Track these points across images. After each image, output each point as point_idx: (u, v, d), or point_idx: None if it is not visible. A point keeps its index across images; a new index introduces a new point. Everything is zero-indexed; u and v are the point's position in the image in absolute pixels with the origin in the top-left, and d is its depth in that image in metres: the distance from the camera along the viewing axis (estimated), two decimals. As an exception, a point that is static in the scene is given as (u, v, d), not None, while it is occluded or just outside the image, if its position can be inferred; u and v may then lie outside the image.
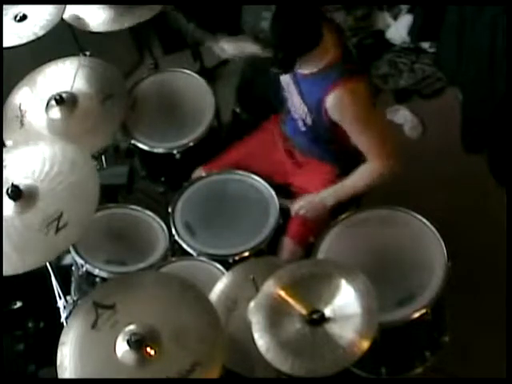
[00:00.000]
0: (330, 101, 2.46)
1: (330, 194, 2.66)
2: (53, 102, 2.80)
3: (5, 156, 2.46)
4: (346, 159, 2.69)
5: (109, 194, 2.95)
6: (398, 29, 3.98)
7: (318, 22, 2.42)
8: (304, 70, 2.53)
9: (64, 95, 2.81)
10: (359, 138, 2.54)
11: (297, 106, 2.65)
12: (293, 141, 2.84)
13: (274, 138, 2.91)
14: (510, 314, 2.75)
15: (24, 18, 3.01)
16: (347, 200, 2.68)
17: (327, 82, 2.46)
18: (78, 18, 3.09)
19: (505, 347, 2.62)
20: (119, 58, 3.68)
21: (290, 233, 2.71)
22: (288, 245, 2.69)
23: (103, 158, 3.13)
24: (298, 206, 2.69)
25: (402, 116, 3.75)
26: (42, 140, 2.61)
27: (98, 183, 2.33)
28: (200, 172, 2.94)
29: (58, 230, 2.23)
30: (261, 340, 2.17)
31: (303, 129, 2.68)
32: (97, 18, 3.08)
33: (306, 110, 2.60)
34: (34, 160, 2.41)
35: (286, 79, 2.67)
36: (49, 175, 2.35)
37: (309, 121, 2.62)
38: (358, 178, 2.61)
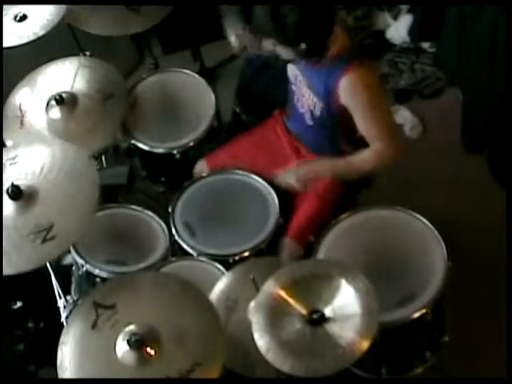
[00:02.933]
0: (343, 85, 2.49)
1: (328, 165, 2.66)
2: (53, 102, 2.80)
3: (18, 152, 2.45)
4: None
5: (109, 194, 2.95)
6: (398, 29, 3.98)
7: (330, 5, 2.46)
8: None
9: (64, 95, 2.81)
10: (368, 121, 2.55)
11: (305, 97, 2.65)
12: (300, 137, 2.84)
13: (277, 134, 2.91)
14: (510, 314, 2.75)
15: (24, 18, 3.01)
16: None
17: (338, 70, 2.49)
18: (78, 19, 3.09)
19: (505, 347, 2.62)
20: (119, 58, 3.68)
21: (291, 233, 2.71)
22: (288, 245, 2.69)
23: (103, 157, 3.13)
24: (297, 168, 2.69)
25: (402, 116, 3.75)
26: (44, 140, 2.61)
27: (95, 204, 2.32)
28: (202, 164, 2.94)
29: (44, 240, 2.22)
30: (261, 340, 2.17)
31: (310, 122, 2.69)
32: (98, 19, 3.08)
33: (315, 100, 2.61)
34: (42, 162, 2.39)
35: (294, 71, 2.67)
36: (52, 181, 2.34)
37: (317, 112, 2.62)
38: (362, 159, 2.60)
